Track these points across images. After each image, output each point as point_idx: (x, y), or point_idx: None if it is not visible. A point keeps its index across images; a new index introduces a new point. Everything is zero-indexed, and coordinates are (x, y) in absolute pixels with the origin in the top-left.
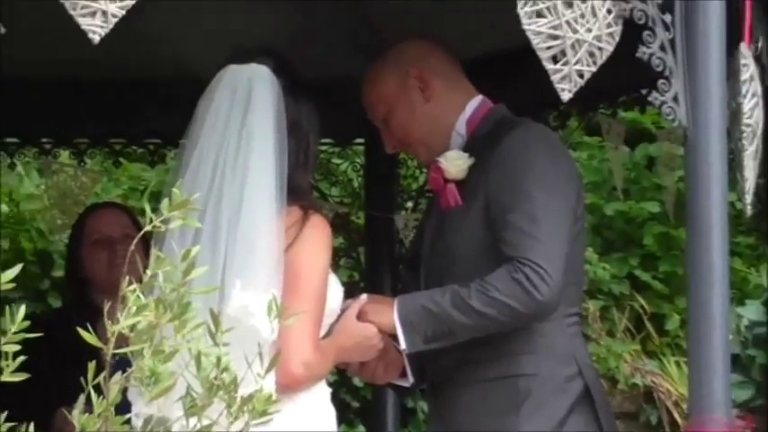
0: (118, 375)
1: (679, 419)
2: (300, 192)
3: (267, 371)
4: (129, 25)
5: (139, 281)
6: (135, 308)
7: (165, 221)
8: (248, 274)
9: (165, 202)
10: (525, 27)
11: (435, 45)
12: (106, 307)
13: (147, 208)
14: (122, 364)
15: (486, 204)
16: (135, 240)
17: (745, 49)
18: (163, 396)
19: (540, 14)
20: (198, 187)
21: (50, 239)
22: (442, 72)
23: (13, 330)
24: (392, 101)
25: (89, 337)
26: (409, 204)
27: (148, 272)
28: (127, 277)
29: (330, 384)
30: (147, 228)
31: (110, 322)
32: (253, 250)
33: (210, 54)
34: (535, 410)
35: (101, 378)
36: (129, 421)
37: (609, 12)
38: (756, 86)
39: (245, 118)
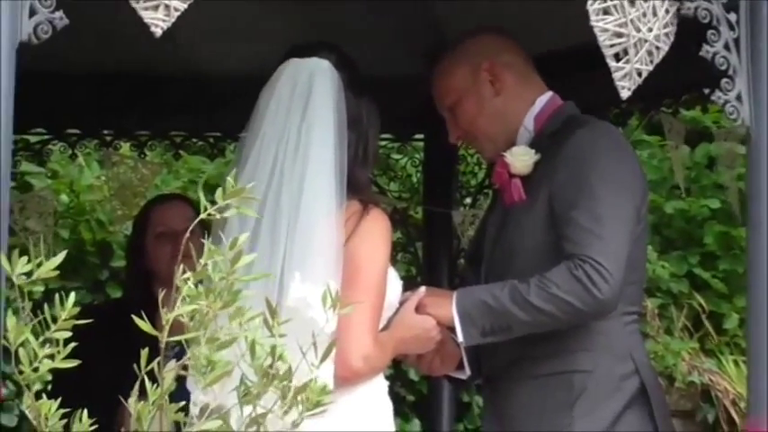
0: (172, 363)
1: (737, 418)
2: (359, 186)
3: (322, 360)
4: (189, 21)
5: (194, 271)
6: (188, 296)
7: (220, 210)
8: (307, 266)
9: (219, 191)
10: (593, 23)
11: (510, 39)
12: (161, 295)
13: (202, 197)
14: (181, 354)
15: (551, 201)
16: (189, 229)
17: None
18: (218, 384)
19: (607, 12)
20: (258, 179)
21: (110, 230)
22: (515, 67)
23: (63, 318)
24: (461, 92)
25: (143, 324)
26: (468, 200)
27: (201, 261)
28: (181, 266)
29: (386, 378)
30: (202, 216)
31: (165, 310)
32: (312, 243)
33: (271, 50)
34: (590, 407)
35: (154, 365)
36: (184, 409)
37: (667, 11)
38: None
39: (305, 112)
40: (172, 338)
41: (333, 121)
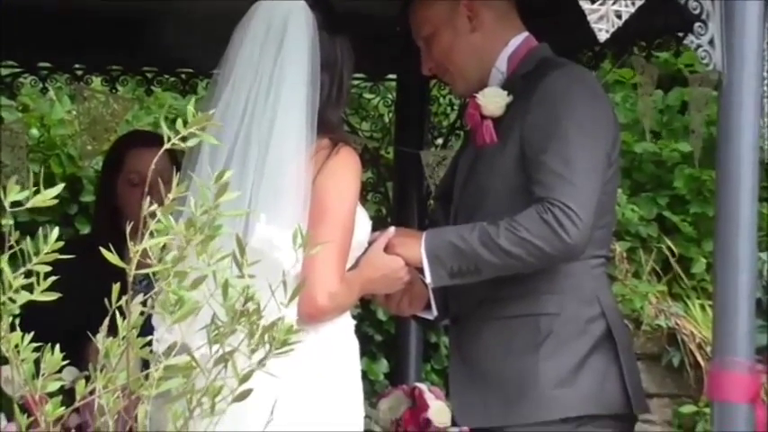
0: (139, 297)
1: (702, 362)
2: (331, 125)
3: (290, 299)
4: None
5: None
6: (156, 231)
7: (183, 139)
8: (274, 207)
9: (179, 121)
10: None
11: None
12: (128, 228)
13: (164, 126)
14: (149, 289)
15: (522, 144)
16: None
17: None
18: (184, 321)
19: None
20: (229, 118)
21: (80, 165)
22: (494, 5)
23: (45, 251)
24: (438, 23)
25: (111, 257)
26: (439, 141)
27: (170, 195)
28: (148, 199)
29: (353, 317)
30: (166, 146)
31: (132, 243)
32: (280, 184)
33: None
34: (555, 349)
35: (123, 301)
36: (149, 344)
37: None
38: None
39: (279, 52)
40: (140, 271)
41: (306, 63)
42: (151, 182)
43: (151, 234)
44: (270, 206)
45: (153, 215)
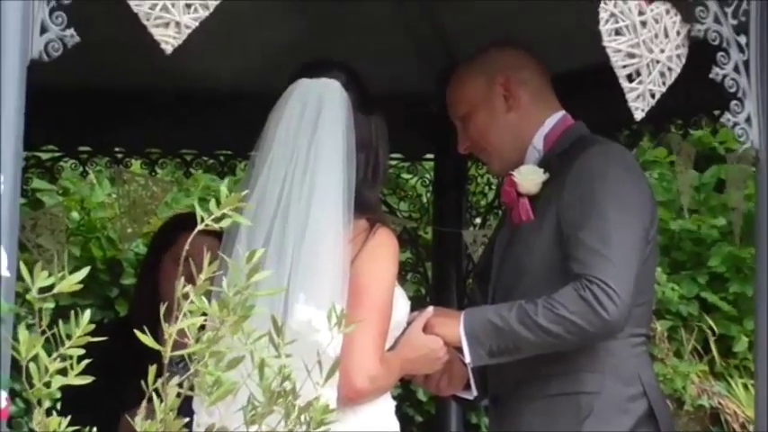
0: (176, 379)
1: None
2: (368, 206)
3: (326, 379)
4: (201, 38)
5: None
6: (189, 312)
7: (216, 220)
8: (312, 287)
9: (212, 202)
10: (606, 44)
11: (530, 56)
12: (163, 309)
13: (197, 207)
14: (186, 370)
15: (558, 221)
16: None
17: None
18: (222, 402)
19: (619, 32)
20: (267, 200)
21: (120, 248)
22: (531, 84)
23: (77, 335)
24: (475, 103)
25: (146, 339)
26: (477, 220)
27: (202, 276)
28: (182, 279)
29: (394, 398)
30: (200, 227)
31: (166, 325)
32: (318, 264)
33: (284, 69)
34: (597, 428)
35: (159, 383)
36: (188, 425)
37: (678, 33)
38: None
39: (314, 133)
40: (176, 353)
41: (342, 144)
42: (197, 264)
43: (185, 315)
44: (308, 286)
45: (186, 296)
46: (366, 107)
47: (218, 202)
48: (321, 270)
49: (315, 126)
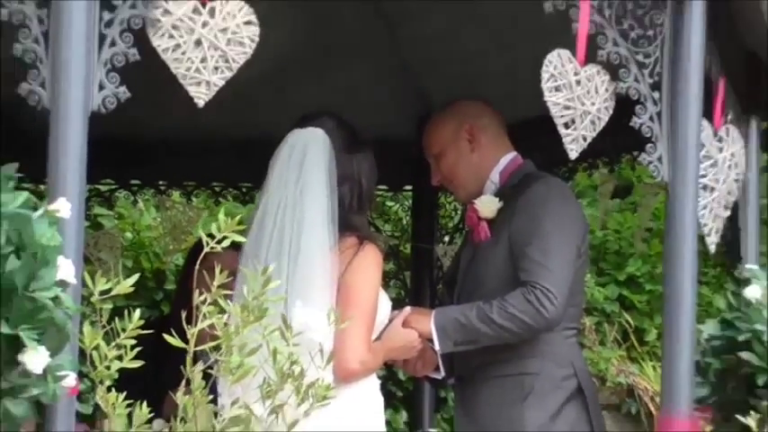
0: (200, 365)
1: (654, 410)
2: (356, 227)
3: (326, 365)
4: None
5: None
6: (208, 313)
7: (219, 241)
8: (307, 295)
9: (214, 226)
10: (547, 98)
11: (489, 107)
12: (184, 315)
13: (202, 233)
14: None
15: (510, 239)
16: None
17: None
18: (241, 382)
19: (558, 89)
20: (266, 224)
21: (164, 261)
22: (489, 131)
23: (130, 329)
24: (445, 145)
25: (173, 340)
26: (446, 238)
27: (215, 283)
28: (197, 291)
29: (379, 378)
30: (206, 250)
31: (188, 327)
32: (310, 275)
33: (289, 119)
34: (537, 402)
35: (193, 368)
36: (213, 401)
37: (606, 90)
38: (711, 152)
39: (300, 172)
40: (201, 347)
41: (324, 180)
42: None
43: (204, 316)
44: (304, 295)
45: (204, 301)
46: (350, 147)
47: (219, 228)
48: (313, 279)
49: (301, 166)
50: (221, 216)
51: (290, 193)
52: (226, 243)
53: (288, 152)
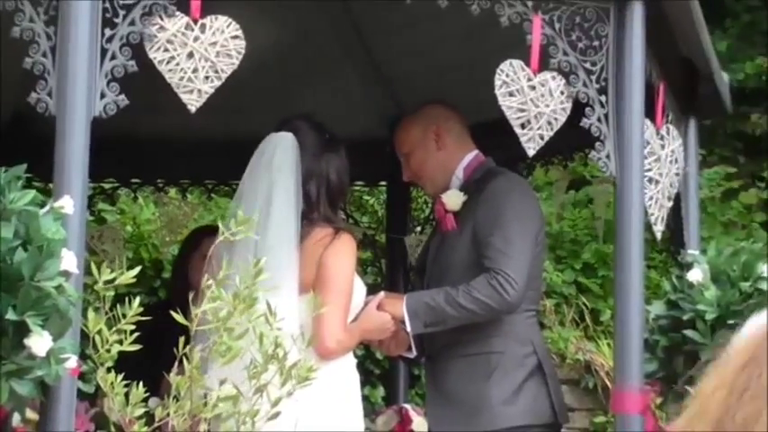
0: (199, 346)
1: (609, 384)
2: (329, 219)
3: (307, 346)
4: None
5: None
6: (212, 299)
7: (233, 234)
8: (274, 284)
9: (232, 221)
10: (501, 103)
11: (454, 110)
12: (191, 296)
13: (221, 225)
14: (203, 341)
15: (474, 230)
16: (211, 250)
17: (647, 125)
18: (231, 363)
19: (511, 94)
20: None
21: (161, 251)
22: (454, 131)
23: (130, 315)
24: (414, 144)
25: (179, 318)
26: (418, 229)
27: (222, 272)
28: (205, 276)
29: (359, 357)
30: (220, 239)
31: (194, 307)
32: (277, 267)
33: (273, 121)
34: (501, 378)
35: (187, 349)
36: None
37: (561, 93)
38: (654, 149)
39: (269, 170)
40: (200, 327)
41: (289, 181)
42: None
43: (209, 301)
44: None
45: (209, 287)
46: (320, 147)
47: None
48: (279, 272)
49: (270, 166)
50: (240, 213)
51: (259, 191)
52: (240, 236)
53: (258, 156)
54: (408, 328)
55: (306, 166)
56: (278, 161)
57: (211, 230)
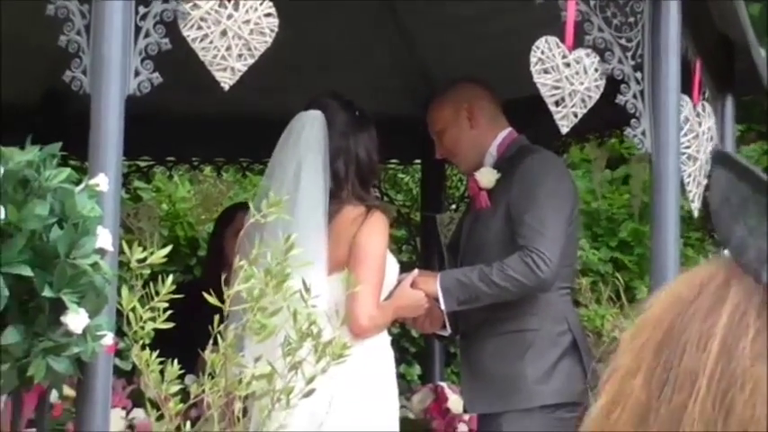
0: (233, 324)
1: None
2: (361, 197)
3: (341, 324)
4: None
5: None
6: (245, 278)
7: (265, 216)
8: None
9: (264, 203)
10: (536, 80)
11: (486, 88)
12: (224, 276)
13: (252, 206)
14: (237, 319)
15: (508, 207)
16: (243, 231)
17: (685, 101)
18: (266, 340)
19: (546, 71)
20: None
21: (196, 229)
22: (486, 109)
23: (163, 293)
24: (447, 123)
25: (212, 299)
26: (452, 207)
27: (254, 251)
28: (238, 255)
29: (394, 335)
30: (252, 220)
31: (226, 288)
32: (305, 244)
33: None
34: (536, 356)
35: (221, 327)
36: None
37: (596, 70)
38: (694, 126)
39: (296, 148)
40: (234, 308)
41: (317, 159)
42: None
43: (241, 281)
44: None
45: (242, 267)
46: (348, 126)
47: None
48: (307, 249)
49: (297, 144)
50: (272, 194)
51: (288, 169)
52: (271, 218)
53: (287, 134)
54: (442, 306)
55: (334, 144)
56: (305, 139)
57: (244, 206)
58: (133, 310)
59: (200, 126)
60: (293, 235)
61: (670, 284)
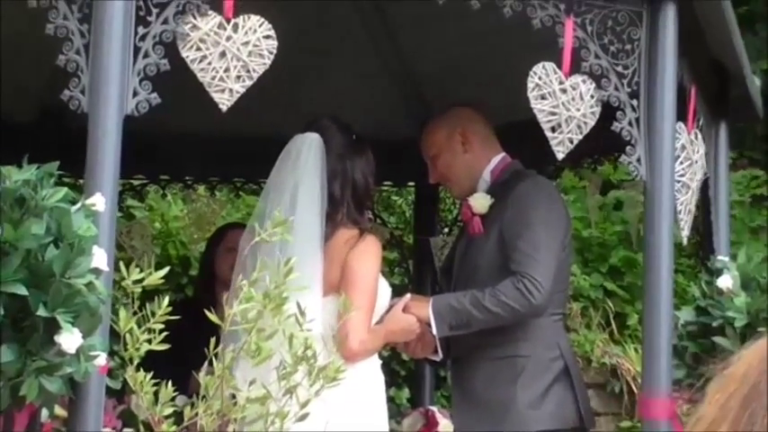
0: (231, 346)
1: (635, 390)
2: (355, 220)
3: (336, 349)
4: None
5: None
6: (245, 299)
7: (270, 235)
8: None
9: (269, 223)
10: (533, 106)
11: (480, 113)
12: (224, 297)
13: (257, 226)
14: (233, 340)
15: (501, 233)
16: (247, 250)
17: (681, 129)
18: (261, 364)
19: (543, 97)
20: (267, 215)
21: (189, 248)
22: (480, 134)
23: (159, 314)
24: (441, 147)
25: (212, 317)
26: (445, 230)
27: (255, 273)
28: (239, 276)
29: (384, 358)
30: (257, 239)
31: (227, 307)
32: (300, 267)
33: (303, 119)
34: (528, 382)
35: (219, 349)
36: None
37: (592, 97)
38: (689, 154)
39: (294, 171)
40: (232, 328)
41: (315, 181)
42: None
43: (240, 302)
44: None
45: (241, 288)
46: (345, 148)
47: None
48: (303, 271)
49: (296, 166)
50: (277, 213)
51: (285, 191)
52: (276, 238)
53: (285, 155)
54: (434, 331)
55: (330, 166)
56: (303, 161)
57: (235, 225)
58: (130, 331)
59: (194, 145)
60: (293, 258)
61: (759, 341)
